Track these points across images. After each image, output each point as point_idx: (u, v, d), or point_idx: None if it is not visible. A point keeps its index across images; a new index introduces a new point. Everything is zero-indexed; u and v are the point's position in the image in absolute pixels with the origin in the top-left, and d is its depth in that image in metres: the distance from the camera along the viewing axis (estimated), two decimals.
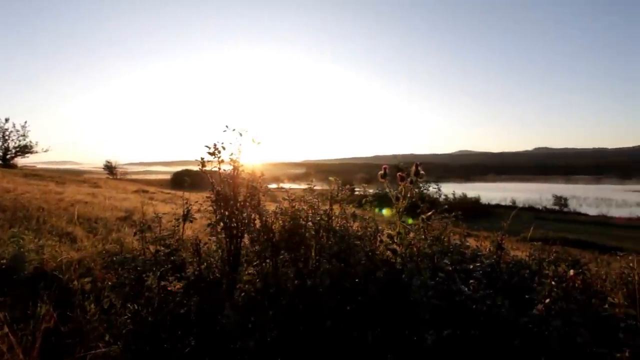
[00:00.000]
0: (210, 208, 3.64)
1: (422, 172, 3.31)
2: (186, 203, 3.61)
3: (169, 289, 3.10)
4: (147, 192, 21.24)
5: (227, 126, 3.67)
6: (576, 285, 3.69)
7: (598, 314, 2.71)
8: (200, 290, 3.17)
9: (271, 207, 3.74)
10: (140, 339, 2.90)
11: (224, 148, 3.65)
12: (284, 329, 2.98)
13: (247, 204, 3.68)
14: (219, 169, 3.68)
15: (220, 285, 3.41)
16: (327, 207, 3.48)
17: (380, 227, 3.74)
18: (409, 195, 3.25)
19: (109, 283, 3.39)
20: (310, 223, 3.41)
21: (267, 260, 3.44)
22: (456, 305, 2.87)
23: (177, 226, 3.57)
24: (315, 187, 3.76)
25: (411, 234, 3.41)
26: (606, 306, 2.77)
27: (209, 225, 3.63)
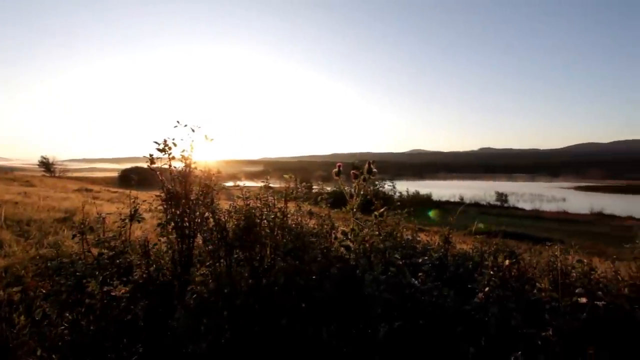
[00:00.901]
0: (161, 207, 3.48)
1: (374, 169, 3.42)
2: (134, 202, 3.42)
3: (113, 294, 2.91)
4: (90, 190, 19.75)
5: (178, 122, 3.53)
6: (512, 273, 4.03)
7: (528, 298, 2.99)
8: (149, 294, 3.02)
9: (226, 205, 3.66)
10: (80, 351, 2.70)
11: (175, 144, 3.50)
12: (239, 330, 2.93)
13: (200, 202, 3.57)
14: (170, 166, 3.53)
15: (171, 287, 3.28)
16: (282, 204, 3.47)
17: (336, 224, 3.81)
18: (362, 192, 3.34)
19: (43, 292, 3.11)
20: (265, 221, 3.38)
21: (221, 260, 3.36)
22: (406, 298, 3.01)
23: (124, 227, 3.37)
24: (271, 185, 3.74)
25: (365, 230, 3.51)
26: (535, 291, 3.06)
27: (159, 225, 3.47)
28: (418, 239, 4.58)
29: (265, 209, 3.57)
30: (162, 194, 3.44)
